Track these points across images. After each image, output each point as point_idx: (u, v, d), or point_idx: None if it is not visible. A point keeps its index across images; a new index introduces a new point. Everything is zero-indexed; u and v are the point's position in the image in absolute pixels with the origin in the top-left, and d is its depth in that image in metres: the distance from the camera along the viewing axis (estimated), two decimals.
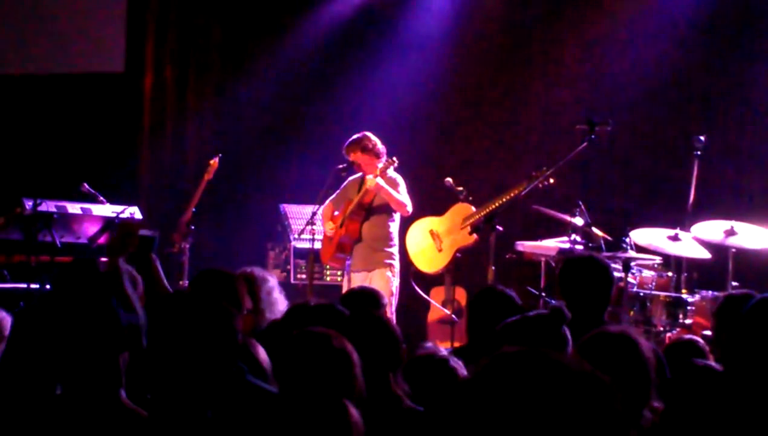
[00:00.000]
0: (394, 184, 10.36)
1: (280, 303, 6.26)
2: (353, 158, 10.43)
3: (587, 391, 2.01)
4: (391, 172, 10.37)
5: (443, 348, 5.62)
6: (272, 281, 6.46)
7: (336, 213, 10.63)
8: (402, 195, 10.35)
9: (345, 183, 10.65)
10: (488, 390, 2.03)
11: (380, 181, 10.22)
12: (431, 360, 5.36)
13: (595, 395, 2.01)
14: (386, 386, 4.73)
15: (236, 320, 3.63)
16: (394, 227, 10.51)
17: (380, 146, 10.47)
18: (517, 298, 6.20)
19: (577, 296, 5.98)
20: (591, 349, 4.03)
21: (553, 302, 4.77)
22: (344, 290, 10.31)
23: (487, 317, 5.90)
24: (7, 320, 6.32)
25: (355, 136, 10.51)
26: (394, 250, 10.47)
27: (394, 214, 10.45)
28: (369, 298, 6.48)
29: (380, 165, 10.31)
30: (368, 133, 10.54)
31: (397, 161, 10.31)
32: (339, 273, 11.24)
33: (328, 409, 3.09)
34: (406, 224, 10.91)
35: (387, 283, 10.14)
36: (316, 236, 10.63)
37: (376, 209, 10.44)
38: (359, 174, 10.58)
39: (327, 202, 10.63)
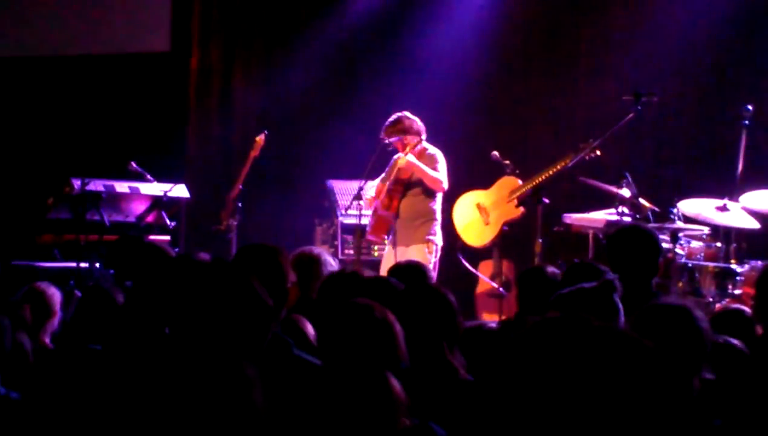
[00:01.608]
0: (432, 160, 10.32)
1: None
2: (394, 139, 10.38)
3: (631, 355, 2.00)
4: (430, 148, 10.36)
5: (492, 321, 5.62)
6: (333, 264, 6.54)
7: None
8: (438, 172, 10.30)
9: (392, 160, 10.61)
10: (530, 354, 2.04)
11: (411, 157, 10.20)
12: (479, 332, 5.38)
13: (641, 359, 2.01)
14: (442, 357, 4.74)
15: (260, 288, 3.63)
16: (436, 203, 10.44)
17: (419, 125, 10.43)
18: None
19: (624, 266, 5.95)
20: (646, 320, 4.03)
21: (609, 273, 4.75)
22: (382, 264, 10.34)
23: (535, 294, 5.88)
24: (57, 296, 6.39)
25: (392, 118, 10.48)
26: (435, 227, 10.39)
27: (434, 191, 10.40)
28: (415, 271, 6.48)
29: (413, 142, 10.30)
30: (405, 113, 10.50)
31: (423, 138, 10.31)
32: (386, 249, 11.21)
33: (369, 380, 3.09)
34: (452, 198, 10.88)
35: (423, 258, 9.87)
36: (363, 212, 10.61)
37: (414, 185, 10.39)
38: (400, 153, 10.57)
39: (377, 180, 10.60)
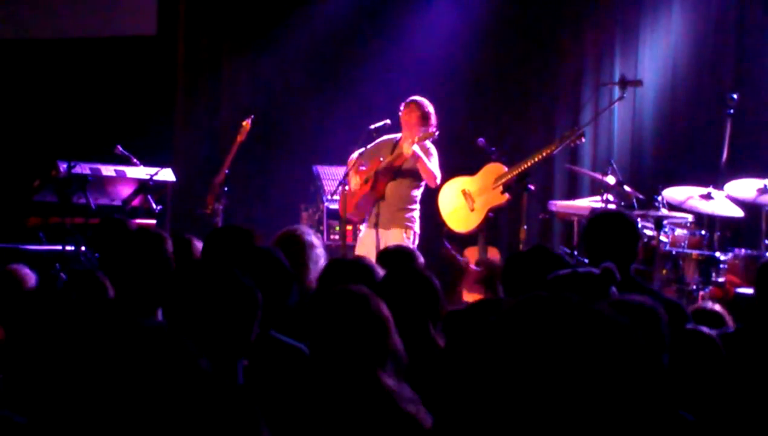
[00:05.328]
0: (427, 154, 10.27)
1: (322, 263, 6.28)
2: (406, 115, 10.31)
3: (609, 333, 2.02)
4: (427, 142, 10.31)
5: None
6: (318, 245, 6.48)
7: (362, 168, 10.55)
8: (433, 166, 10.27)
9: (379, 140, 10.53)
10: (511, 330, 2.05)
11: (416, 148, 10.12)
12: (463, 315, 5.40)
13: (618, 337, 2.02)
14: (429, 339, 4.78)
15: (244, 278, 3.65)
16: (419, 192, 10.43)
17: (434, 117, 10.36)
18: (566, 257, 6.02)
19: (602, 252, 5.80)
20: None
21: (605, 263, 4.65)
22: (359, 244, 10.35)
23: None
24: (31, 278, 6.37)
25: (418, 97, 10.40)
26: (415, 214, 10.37)
27: (421, 180, 10.37)
28: (405, 256, 6.52)
29: (421, 133, 10.22)
30: (428, 105, 10.42)
31: (437, 133, 10.23)
32: (362, 230, 11.13)
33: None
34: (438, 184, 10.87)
35: (401, 242, 9.83)
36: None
37: (405, 173, 10.36)
38: (394, 135, 10.52)
39: (356, 154, 10.52)
